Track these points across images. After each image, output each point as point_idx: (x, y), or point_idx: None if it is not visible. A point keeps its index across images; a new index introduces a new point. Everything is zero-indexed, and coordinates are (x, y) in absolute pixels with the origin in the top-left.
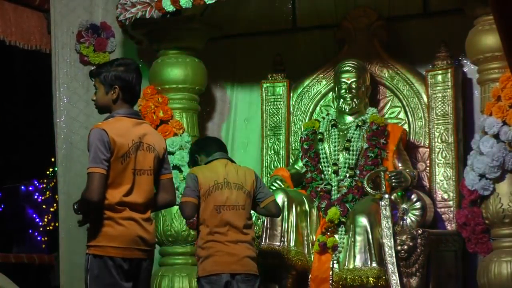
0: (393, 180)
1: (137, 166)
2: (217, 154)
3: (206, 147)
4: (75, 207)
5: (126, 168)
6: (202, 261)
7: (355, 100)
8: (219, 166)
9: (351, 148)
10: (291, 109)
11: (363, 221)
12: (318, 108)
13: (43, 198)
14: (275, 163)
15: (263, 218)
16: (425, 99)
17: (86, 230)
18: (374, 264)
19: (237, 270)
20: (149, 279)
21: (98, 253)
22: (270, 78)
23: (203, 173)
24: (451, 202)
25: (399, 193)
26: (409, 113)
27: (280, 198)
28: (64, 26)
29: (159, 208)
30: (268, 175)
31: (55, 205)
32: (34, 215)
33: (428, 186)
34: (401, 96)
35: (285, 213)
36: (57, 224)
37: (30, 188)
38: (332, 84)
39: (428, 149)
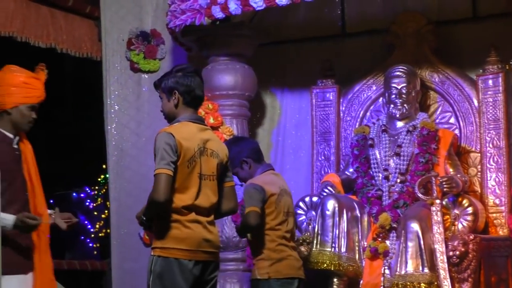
0: (445, 186)
1: (203, 171)
2: (267, 163)
3: (259, 153)
4: (143, 217)
5: (192, 172)
6: (274, 263)
7: (405, 105)
8: (272, 174)
9: (401, 153)
10: (341, 114)
11: (414, 226)
12: (368, 114)
13: (94, 205)
14: (325, 169)
15: (314, 224)
16: (476, 103)
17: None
18: (425, 270)
19: (302, 275)
20: (215, 284)
21: (164, 255)
22: (320, 84)
23: (266, 183)
24: (502, 207)
25: (450, 199)
26: (460, 118)
27: (331, 204)
28: (115, 34)
29: (222, 215)
30: (319, 181)
31: (106, 211)
32: (86, 222)
33: (479, 191)
34: (451, 101)
35: (336, 219)
36: (108, 230)
37: (82, 195)
38: (382, 90)
39: (479, 154)
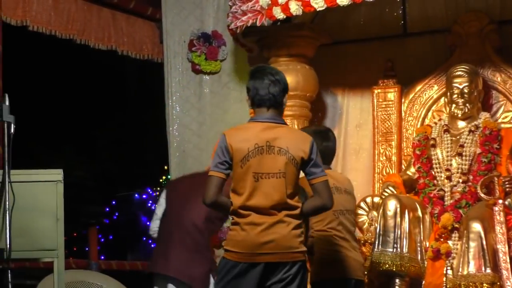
0: (507, 185)
1: (262, 170)
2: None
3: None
4: None
5: (247, 172)
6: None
7: (467, 105)
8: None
9: (464, 153)
10: (403, 114)
11: (476, 227)
12: (430, 114)
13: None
14: (387, 169)
15: (376, 224)
16: None
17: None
18: (488, 270)
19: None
20: (298, 284)
21: (226, 256)
22: (381, 84)
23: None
24: None
25: None
26: None
27: (392, 204)
28: (176, 35)
29: (308, 212)
30: (380, 181)
31: None
32: (148, 223)
33: None
34: None
35: (398, 219)
36: None
37: (144, 196)
38: (444, 89)
39: None
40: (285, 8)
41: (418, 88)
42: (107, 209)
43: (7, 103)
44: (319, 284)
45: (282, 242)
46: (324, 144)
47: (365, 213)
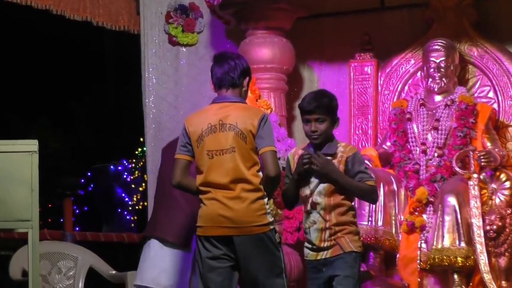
0: (482, 160)
1: (215, 147)
2: None
3: None
4: None
5: (202, 151)
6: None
7: (443, 79)
8: None
9: (439, 127)
10: (379, 88)
11: (451, 201)
12: (406, 88)
13: (132, 177)
14: (363, 142)
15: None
16: None
17: None
18: (462, 244)
19: None
20: (261, 253)
21: (196, 233)
22: (358, 58)
23: None
24: None
25: (488, 173)
26: (498, 92)
27: None
28: (153, 7)
29: (265, 186)
30: None
31: (144, 184)
32: (123, 195)
33: None
34: (490, 75)
35: None
36: (146, 203)
37: (119, 168)
38: (421, 63)
39: None
40: None
41: (394, 62)
42: (82, 180)
43: None
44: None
45: (238, 217)
46: None
47: None
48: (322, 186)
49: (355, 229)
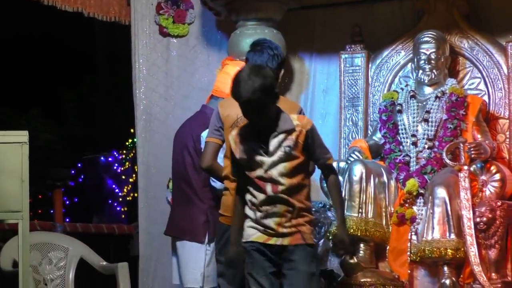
0: (472, 152)
1: None
2: None
3: None
4: None
5: None
6: None
7: (434, 71)
8: None
9: (430, 119)
10: (370, 80)
11: (441, 192)
12: (396, 79)
13: (122, 169)
14: (353, 134)
15: (342, 189)
16: (505, 70)
17: (166, 201)
18: (452, 236)
19: None
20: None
21: (220, 220)
22: (349, 49)
23: None
24: None
25: (478, 165)
26: (488, 84)
27: (358, 170)
28: None
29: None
30: (346, 146)
31: (134, 175)
32: (114, 186)
33: (507, 157)
34: (480, 67)
35: (363, 184)
36: (136, 194)
37: (110, 159)
38: (411, 55)
39: (508, 121)
40: None
41: (385, 53)
42: (73, 171)
43: None
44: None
45: None
46: None
47: None
48: (282, 165)
49: (314, 219)
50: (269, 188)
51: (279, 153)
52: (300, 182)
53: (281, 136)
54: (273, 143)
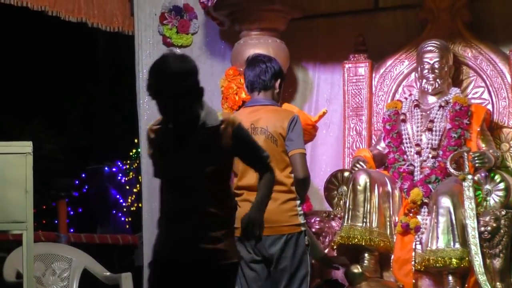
0: (477, 161)
1: None
2: None
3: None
4: None
5: None
6: None
7: (438, 80)
8: None
9: (434, 128)
10: (373, 89)
11: (446, 202)
12: (400, 89)
13: (126, 179)
14: (357, 143)
15: (346, 199)
16: (509, 79)
17: None
18: (457, 245)
19: None
20: (290, 255)
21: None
22: (352, 59)
23: None
24: None
25: (482, 174)
26: (492, 93)
27: (362, 179)
28: (147, 8)
29: (296, 188)
30: (350, 156)
31: (138, 186)
32: (118, 196)
33: (511, 167)
34: (484, 76)
35: (368, 194)
36: (140, 204)
37: (114, 169)
38: (415, 64)
39: (511, 129)
40: None
41: (389, 63)
42: (77, 182)
43: None
44: None
45: (269, 217)
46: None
47: (335, 187)
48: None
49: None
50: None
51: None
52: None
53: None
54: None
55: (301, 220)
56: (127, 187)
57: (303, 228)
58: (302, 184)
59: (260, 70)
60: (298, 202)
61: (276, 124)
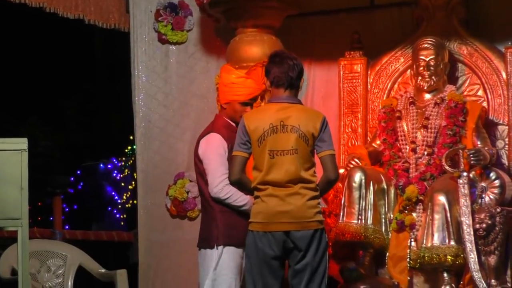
0: (472, 158)
1: (276, 147)
2: None
3: None
4: None
5: (263, 150)
6: None
7: (433, 77)
8: None
9: (429, 126)
10: (369, 87)
11: (441, 199)
12: (396, 86)
13: (121, 176)
14: (353, 141)
15: (341, 196)
16: (504, 76)
17: (165, 208)
18: (452, 243)
19: None
20: (314, 250)
21: (250, 229)
22: (348, 56)
23: None
24: None
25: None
26: (488, 91)
27: (357, 176)
28: (143, 5)
29: (322, 187)
30: (346, 153)
31: (133, 182)
32: (113, 193)
33: (507, 164)
34: (480, 74)
35: (363, 191)
36: (135, 201)
37: (109, 166)
38: (410, 62)
39: (507, 127)
40: None
41: (384, 60)
42: (72, 178)
43: None
44: None
45: (297, 212)
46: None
47: None
48: None
49: None
50: None
51: None
52: None
53: None
54: None
55: (322, 217)
56: (122, 184)
57: (322, 226)
58: (332, 184)
59: (288, 67)
60: (320, 200)
61: (308, 124)
